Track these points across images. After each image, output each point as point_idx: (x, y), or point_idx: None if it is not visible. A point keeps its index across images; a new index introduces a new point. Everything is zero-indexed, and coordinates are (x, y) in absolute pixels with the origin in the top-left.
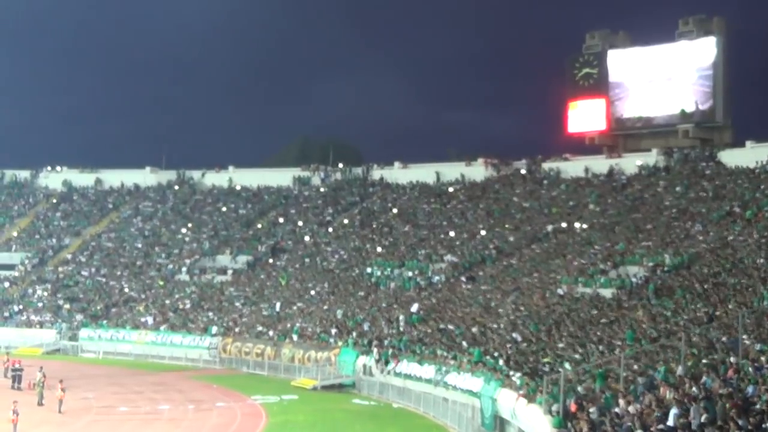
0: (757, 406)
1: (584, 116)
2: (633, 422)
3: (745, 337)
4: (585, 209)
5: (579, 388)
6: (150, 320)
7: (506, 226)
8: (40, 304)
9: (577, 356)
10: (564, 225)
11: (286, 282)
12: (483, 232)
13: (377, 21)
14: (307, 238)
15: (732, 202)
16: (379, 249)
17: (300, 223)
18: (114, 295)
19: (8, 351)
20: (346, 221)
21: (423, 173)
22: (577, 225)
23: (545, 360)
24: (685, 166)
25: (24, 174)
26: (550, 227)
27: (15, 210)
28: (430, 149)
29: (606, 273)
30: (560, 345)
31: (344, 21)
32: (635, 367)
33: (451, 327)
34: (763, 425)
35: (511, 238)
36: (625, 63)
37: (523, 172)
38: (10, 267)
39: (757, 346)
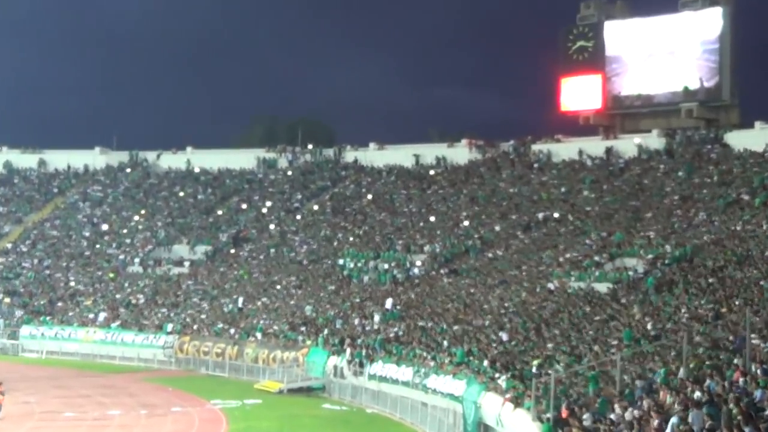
0: (766, 412)
1: (578, 93)
2: (629, 429)
3: (753, 336)
4: (578, 195)
5: (571, 393)
6: (99, 317)
7: (492, 213)
8: None
9: (569, 357)
10: (555, 213)
11: (250, 275)
12: (466, 221)
13: None
14: (272, 227)
15: (739, 189)
16: (352, 239)
17: (265, 210)
18: (59, 288)
19: None
20: (315, 208)
21: (401, 155)
22: (569, 213)
23: (534, 361)
24: (689, 148)
25: None
26: (540, 215)
27: None
28: (408, 129)
29: (601, 266)
30: (551, 345)
31: None
32: (633, 369)
33: (430, 324)
34: None
35: (498, 227)
36: (623, 35)
37: (510, 154)
38: None
39: (766, 347)
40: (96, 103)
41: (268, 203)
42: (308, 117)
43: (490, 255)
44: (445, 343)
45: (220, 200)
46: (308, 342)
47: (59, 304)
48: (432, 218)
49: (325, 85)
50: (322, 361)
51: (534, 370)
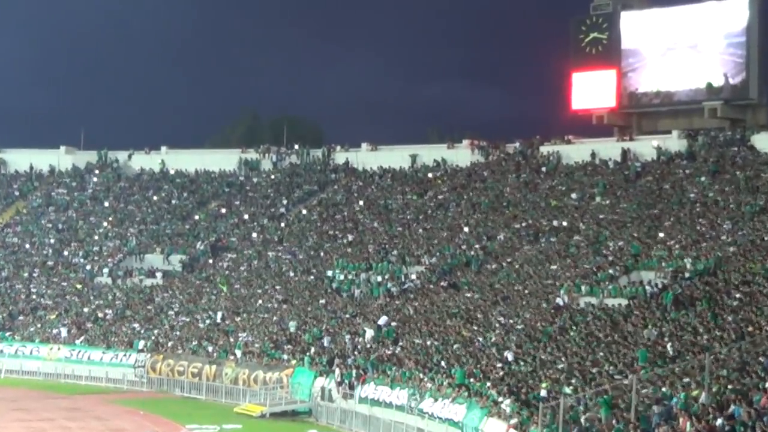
0: None
1: (591, 90)
2: None
3: None
4: (591, 202)
5: (582, 419)
6: (64, 332)
7: (496, 221)
8: None
9: (579, 380)
10: (565, 221)
11: (229, 287)
12: (467, 229)
13: None
14: (255, 235)
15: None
16: (342, 248)
17: (246, 216)
18: (20, 301)
19: None
20: (302, 213)
21: (396, 157)
22: (581, 221)
23: (542, 384)
24: (712, 151)
25: None
26: (548, 224)
27: None
28: (404, 128)
29: (616, 280)
30: (560, 366)
31: None
32: (649, 393)
33: (428, 343)
34: None
35: (502, 237)
36: (640, 27)
37: (516, 157)
38: None
39: None
40: (61, 98)
41: (251, 209)
42: (294, 115)
43: (493, 267)
44: (444, 363)
45: (197, 205)
46: (293, 361)
47: (20, 318)
48: (430, 226)
49: (312, 80)
50: (309, 383)
51: (542, 393)
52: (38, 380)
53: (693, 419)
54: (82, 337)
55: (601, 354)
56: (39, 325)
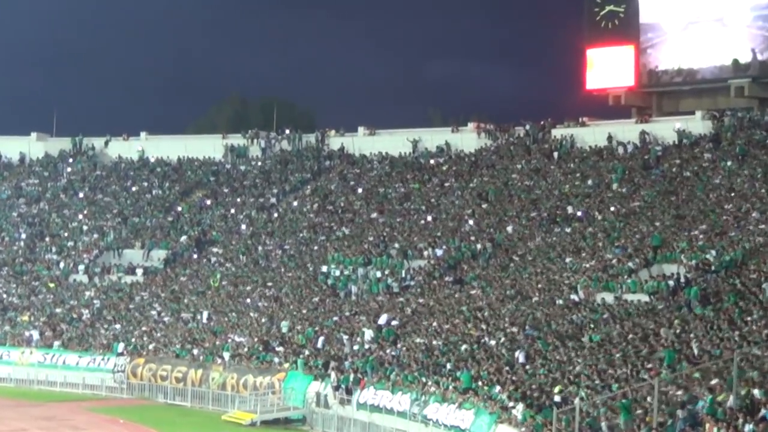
0: None
1: (607, 68)
2: None
3: None
4: (608, 190)
5: (599, 425)
6: (36, 335)
7: (505, 211)
8: None
9: (597, 382)
10: (580, 210)
11: (216, 284)
12: (474, 220)
13: None
14: (243, 227)
15: None
16: (337, 241)
17: (233, 208)
18: None
19: None
20: (294, 204)
21: (396, 142)
22: (597, 210)
23: (556, 388)
24: (739, 133)
25: None
26: (561, 213)
27: None
28: (405, 111)
29: (635, 273)
30: (575, 368)
31: None
32: (673, 397)
33: (432, 343)
34: None
35: (511, 228)
36: None
37: (526, 141)
38: None
39: None
40: (32, 81)
41: (238, 199)
42: (284, 97)
43: (502, 260)
44: (449, 365)
45: (180, 196)
46: (286, 365)
47: None
48: (433, 216)
49: (303, 60)
50: (303, 388)
51: (556, 398)
52: (9, 387)
53: (720, 424)
54: (57, 340)
55: (620, 354)
56: (9, 328)
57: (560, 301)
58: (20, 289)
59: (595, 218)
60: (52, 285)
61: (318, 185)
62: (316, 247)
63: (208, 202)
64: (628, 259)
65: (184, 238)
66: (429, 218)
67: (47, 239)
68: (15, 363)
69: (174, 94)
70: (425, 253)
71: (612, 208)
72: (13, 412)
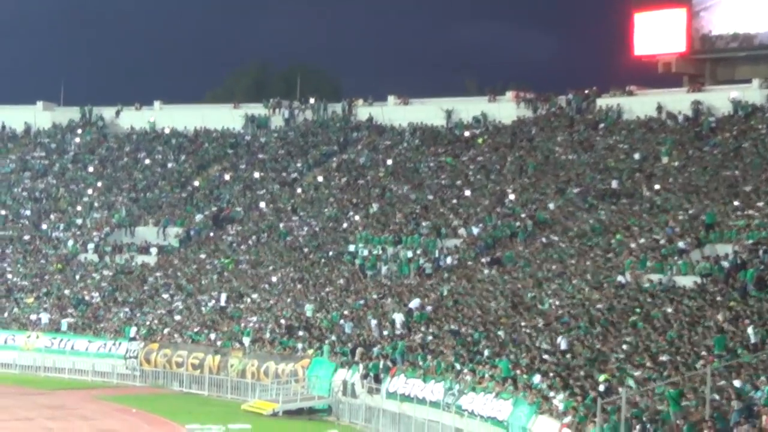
0: None
1: (657, 33)
2: None
3: None
4: (657, 163)
5: (647, 416)
6: (43, 318)
7: (546, 186)
8: None
9: (644, 371)
10: (627, 185)
11: (235, 265)
12: (513, 196)
13: None
14: (263, 204)
15: None
16: (366, 219)
17: (254, 182)
18: None
19: None
20: (319, 179)
21: (428, 112)
22: (645, 186)
23: (600, 376)
24: None
25: None
26: (607, 189)
27: None
28: (438, 79)
29: (686, 254)
30: (621, 355)
31: None
32: (727, 386)
33: (467, 329)
34: None
35: (552, 205)
36: None
37: (569, 111)
38: None
39: None
40: (38, 46)
41: (259, 173)
42: (308, 63)
43: (543, 240)
44: (486, 352)
45: (196, 169)
46: (310, 351)
47: None
48: (468, 192)
49: (329, 23)
50: (328, 376)
51: (600, 387)
52: (14, 374)
53: None
54: (65, 324)
55: (669, 341)
56: (15, 311)
57: (605, 284)
58: (26, 270)
59: (643, 194)
60: (59, 265)
61: (344, 158)
62: (342, 225)
63: (227, 176)
64: (678, 238)
65: (200, 215)
66: (464, 194)
67: (54, 216)
68: (20, 348)
69: (190, 60)
70: (460, 231)
71: (661, 184)
72: (18, 401)
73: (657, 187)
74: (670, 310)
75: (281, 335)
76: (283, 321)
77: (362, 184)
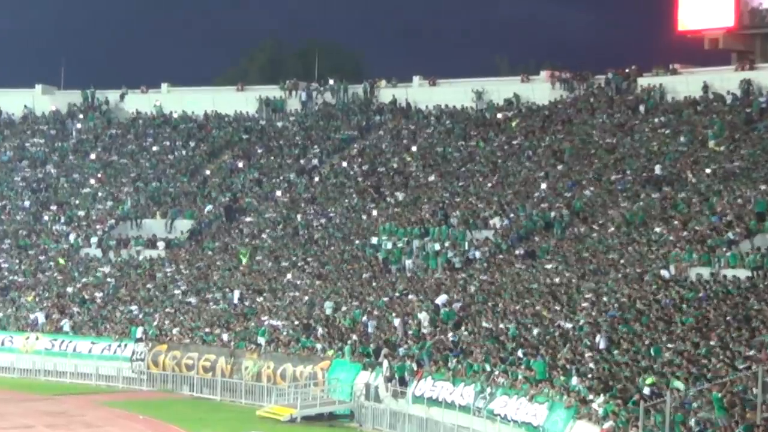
0: None
1: (702, 6)
2: None
3: None
4: (703, 147)
5: (695, 422)
6: (42, 318)
7: (583, 173)
8: None
9: (691, 373)
10: (671, 171)
11: (246, 260)
12: (547, 183)
13: None
14: (279, 194)
15: None
16: (389, 209)
17: (269, 171)
18: None
19: None
20: (340, 166)
21: (457, 93)
22: (691, 171)
23: (644, 378)
24: None
25: None
26: (649, 175)
27: None
28: (467, 57)
29: (735, 245)
30: (666, 355)
31: None
32: None
33: (499, 327)
34: None
35: (590, 192)
36: None
37: (608, 91)
38: None
39: None
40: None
41: (274, 161)
42: (327, 41)
43: (581, 231)
44: (520, 352)
45: (207, 157)
46: (330, 352)
47: None
48: (500, 180)
49: None
50: (350, 379)
51: (645, 390)
52: (12, 378)
53: None
54: (67, 324)
55: (718, 339)
56: (12, 310)
57: (648, 278)
58: (24, 266)
59: (688, 181)
60: (60, 261)
61: (367, 144)
62: (364, 216)
63: (240, 164)
64: (727, 228)
65: (211, 206)
66: (495, 182)
67: (55, 208)
68: (19, 350)
69: (199, 39)
70: (491, 222)
71: (708, 170)
72: (16, 407)
73: (705, 172)
74: (718, 305)
75: (299, 335)
76: (301, 320)
77: (385, 171)
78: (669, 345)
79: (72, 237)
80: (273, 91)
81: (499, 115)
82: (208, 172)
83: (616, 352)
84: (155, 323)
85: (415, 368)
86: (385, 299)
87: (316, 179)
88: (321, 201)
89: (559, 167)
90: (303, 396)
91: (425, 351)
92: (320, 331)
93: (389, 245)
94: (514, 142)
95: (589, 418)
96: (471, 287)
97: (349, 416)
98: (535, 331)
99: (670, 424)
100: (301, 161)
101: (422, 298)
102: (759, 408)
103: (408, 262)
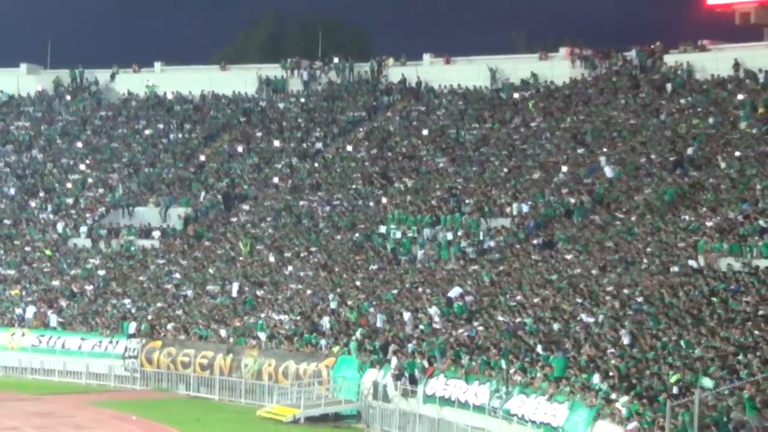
0: None
1: None
2: None
3: None
4: (734, 129)
5: (725, 422)
6: (29, 312)
7: (606, 156)
8: None
9: (722, 370)
10: (699, 155)
11: (247, 250)
12: (567, 167)
13: None
14: (280, 180)
15: None
16: (399, 196)
17: (270, 155)
18: None
19: None
20: (347, 148)
21: (470, 72)
22: (721, 155)
23: (671, 376)
24: None
25: None
26: (676, 159)
27: None
28: (481, 33)
29: None
30: (695, 351)
31: None
32: None
33: (516, 321)
34: None
35: (612, 178)
36: None
37: (632, 70)
38: None
39: None
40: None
41: (275, 144)
42: (331, 17)
43: (602, 218)
44: (539, 348)
45: (204, 141)
46: (335, 348)
47: None
48: (516, 164)
49: None
50: (356, 377)
51: (674, 389)
52: None
53: None
54: (54, 319)
55: (749, 334)
56: None
57: (675, 269)
58: (9, 257)
59: (718, 165)
60: (48, 252)
61: (374, 126)
62: (371, 204)
63: (239, 148)
64: (759, 215)
65: (208, 192)
66: (511, 166)
67: (41, 195)
68: (4, 347)
69: (196, 16)
70: (507, 209)
71: (739, 153)
72: (1, 408)
73: (735, 155)
74: (749, 298)
75: (302, 330)
76: (304, 314)
77: (394, 155)
78: (697, 340)
79: (60, 226)
80: (273, 70)
81: (516, 95)
82: (204, 157)
83: (640, 348)
84: (149, 318)
85: (426, 365)
86: (394, 292)
87: (320, 164)
88: (325, 187)
89: (580, 150)
90: (307, 395)
91: (437, 347)
92: (326, 325)
93: (398, 234)
94: (532, 124)
95: (611, 417)
96: (485, 279)
97: (356, 417)
98: (555, 326)
99: (701, 423)
100: (304, 145)
101: (433, 290)
102: None
103: (418, 253)
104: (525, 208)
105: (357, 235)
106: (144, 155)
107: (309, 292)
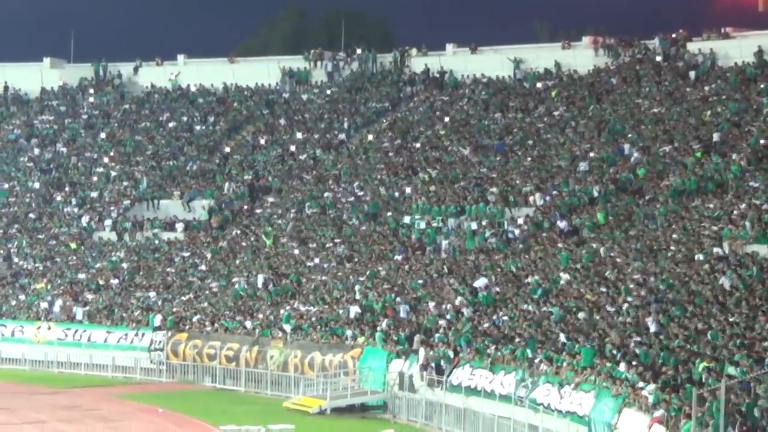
0: None
1: None
2: None
3: None
4: (757, 117)
5: (754, 410)
6: (55, 306)
7: (629, 144)
8: None
9: (748, 358)
10: (724, 142)
11: (273, 242)
12: (592, 154)
13: None
14: (304, 170)
15: None
16: (423, 186)
17: (293, 146)
18: None
19: None
20: (370, 139)
21: (493, 62)
22: (745, 143)
23: (698, 364)
24: None
25: None
26: (701, 146)
27: None
28: (504, 23)
29: None
30: (721, 339)
31: None
32: None
33: (542, 311)
34: None
35: (637, 165)
36: None
37: (655, 58)
38: None
39: None
40: None
41: (299, 135)
42: (354, 8)
43: (627, 207)
44: (563, 337)
45: (227, 132)
46: (361, 339)
47: None
48: (540, 153)
49: None
50: (382, 367)
51: (702, 376)
52: (23, 370)
53: None
54: (80, 312)
55: None
56: (22, 298)
57: (701, 256)
58: (35, 251)
59: (743, 151)
60: (73, 245)
61: (397, 117)
62: (396, 194)
63: (262, 140)
64: None
65: (233, 184)
66: (535, 155)
67: (66, 189)
68: (30, 341)
69: (218, 8)
70: (531, 198)
71: (763, 140)
72: (28, 401)
73: (760, 143)
74: None
75: (328, 321)
76: (329, 305)
77: (418, 146)
78: (723, 329)
79: (84, 220)
80: (297, 62)
81: (539, 85)
82: (228, 149)
83: (667, 336)
84: (174, 310)
85: (452, 355)
86: (419, 282)
87: (345, 155)
88: (349, 178)
89: (604, 139)
90: (332, 386)
91: (463, 337)
92: (352, 314)
93: (423, 225)
94: (555, 113)
95: (638, 406)
96: (510, 268)
97: (382, 407)
98: (580, 315)
99: (727, 411)
100: (328, 136)
101: (459, 280)
102: None
103: (443, 243)
104: (549, 198)
105: (381, 225)
106: (168, 148)
107: (335, 283)
